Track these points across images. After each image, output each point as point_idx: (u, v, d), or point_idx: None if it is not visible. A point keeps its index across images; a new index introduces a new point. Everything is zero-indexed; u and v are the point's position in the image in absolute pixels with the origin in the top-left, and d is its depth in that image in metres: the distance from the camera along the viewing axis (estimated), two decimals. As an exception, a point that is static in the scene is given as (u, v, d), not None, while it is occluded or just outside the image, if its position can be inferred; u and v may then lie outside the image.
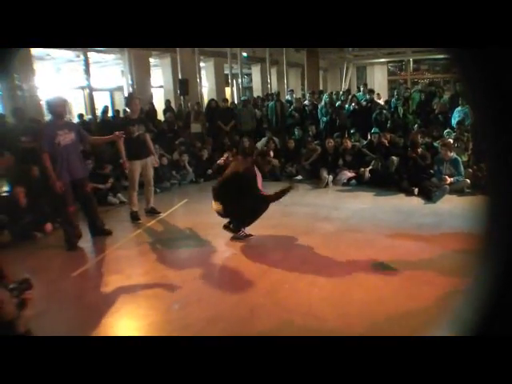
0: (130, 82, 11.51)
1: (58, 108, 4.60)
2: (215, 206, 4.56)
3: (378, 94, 10.44)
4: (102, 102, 12.64)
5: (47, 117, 4.82)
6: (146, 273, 4.02)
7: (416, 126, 8.33)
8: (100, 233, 5.01)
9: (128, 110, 5.93)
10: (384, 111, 9.01)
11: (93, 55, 11.75)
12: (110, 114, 10.16)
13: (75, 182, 4.66)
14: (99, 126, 9.36)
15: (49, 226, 5.20)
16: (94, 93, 10.87)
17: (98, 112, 10.49)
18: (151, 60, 12.93)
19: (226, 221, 4.67)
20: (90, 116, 11.25)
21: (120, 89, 14.94)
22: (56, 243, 4.79)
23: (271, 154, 4.72)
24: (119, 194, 6.74)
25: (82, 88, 13.88)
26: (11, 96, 8.99)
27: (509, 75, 0.74)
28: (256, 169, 4.54)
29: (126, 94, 7.61)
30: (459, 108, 8.27)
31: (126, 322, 3.19)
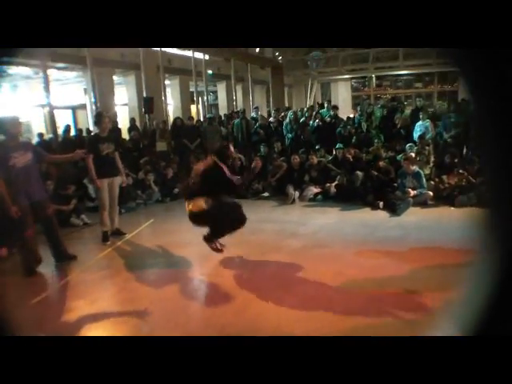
0: (93, 99, 11.31)
1: (12, 128, 4.36)
2: (189, 205, 4.39)
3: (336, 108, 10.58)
4: (63, 120, 12.34)
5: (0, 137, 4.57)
6: (112, 296, 3.90)
7: (376, 140, 8.55)
8: (63, 258, 4.81)
9: (96, 128, 5.81)
10: (348, 126, 9.22)
11: (53, 72, 11.49)
12: (72, 132, 9.92)
13: (34, 204, 4.44)
14: (61, 146, 9.11)
15: (3, 251, 4.96)
16: (54, 111, 10.59)
17: (60, 131, 10.22)
18: (115, 77, 12.79)
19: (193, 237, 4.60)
20: (50, 135, 10.93)
21: (83, 107, 14.65)
22: (13, 269, 4.56)
23: (231, 148, 4.65)
24: (82, 216, 6.55)
25: (42, 106, 13.50)
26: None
27: (509, 76, 0.75)
28: (220, 163, 4.44)
29: (94, 113, 7.46)
30: (420, 122, 8.58)
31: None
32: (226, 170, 4.44)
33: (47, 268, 4.63)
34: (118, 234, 5.70)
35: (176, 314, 3.42)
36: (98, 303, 3.72)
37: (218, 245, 4.52)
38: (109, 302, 3.76)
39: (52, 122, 10.54)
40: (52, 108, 10.40)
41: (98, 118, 5.69)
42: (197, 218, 4.39)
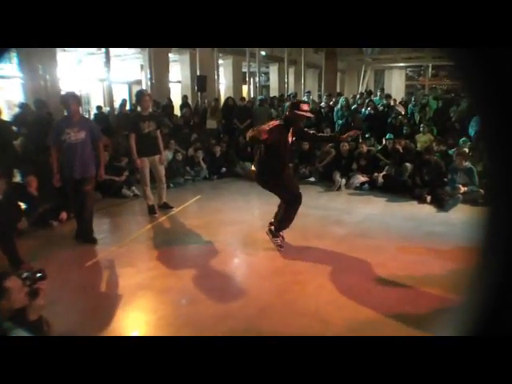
0: (148, 76, 11.63)
1: (71, 106, 4.54)
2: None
3: (395, 100, 10.32)
4: (120, 95, 12.79)
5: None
6: (156, 267, 4.07)
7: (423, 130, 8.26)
8: (85, 238, 4.70)
9: (138, 106, 5.83)
10: (399, 117, 8.96)
11: (114, 49, 11.88)
12: (127, 107, 10.27)
13: (76, 180, 4.58)
14: (117, 119, 9.48)
15: (64, 215, 5.29)
16: (112, 86, 10.99)
17: (116, 105, 10.62)
18: (170, 55, 13.03)
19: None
20: (108, 108, 11.38)
21: (138, 82, 15.09)
22: (72, 233, 4.87)
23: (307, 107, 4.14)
24: (133, 187, 6.84)
25: (102, 81, 14.04)
26: (34, 86, 9.17)
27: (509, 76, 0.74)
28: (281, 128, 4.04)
29: (139, 89, 7.64)
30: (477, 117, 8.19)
31: (136, 315, 3.26)
32: (268, 126, 3.92)
33: (101, 234, 4.90)
34: (166, 207, 5.93)
35: (217, 291, 3.54)
36: (144, 272, 3.92)
37: (281, 238, 4.44)
38: (153, 273, 3.93)
39: (110, 96, 10.97)
40: (110, 83, 10.80)
41: (139, 97, 5.66)
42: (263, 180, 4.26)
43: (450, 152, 7.24)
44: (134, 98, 6.16)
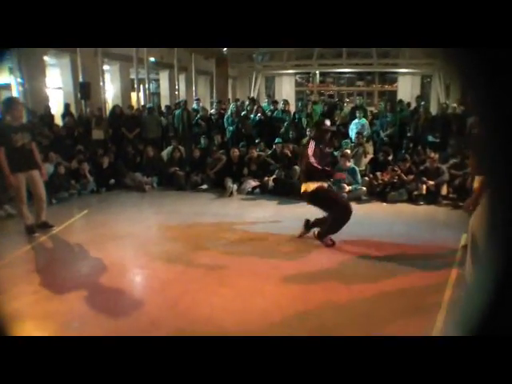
0: (19, 80, 10.51)
1: None
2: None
3: (287, 101, 10.66)
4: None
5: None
6: (36, 292, 3.68)
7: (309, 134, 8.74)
8: None
9: (7, 116, 5.12)
10: (286, 122, 9.32)
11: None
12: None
13: None
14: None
15: None
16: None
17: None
18: (47, 58, 12.00)
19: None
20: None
21: (7, 87, 13.63)
22: None
23: (326, 122, 4.84)
24: (6, 206, 6.13)
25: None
26: None
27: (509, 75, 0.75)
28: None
29: (8, 96, 6.86)
30: (356, 120, 8.88)
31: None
32: (311, 151, 4.50)
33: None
34: (45, 226, 5.38)
35: (106, 308, 3.33)
36: (20, 298, 3.51)
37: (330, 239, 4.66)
38: (32, 297, 3.54)
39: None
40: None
41: (9, 105, 5.08)
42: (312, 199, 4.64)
43: (335, 154, 7.74)
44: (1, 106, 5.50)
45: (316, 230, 4.77)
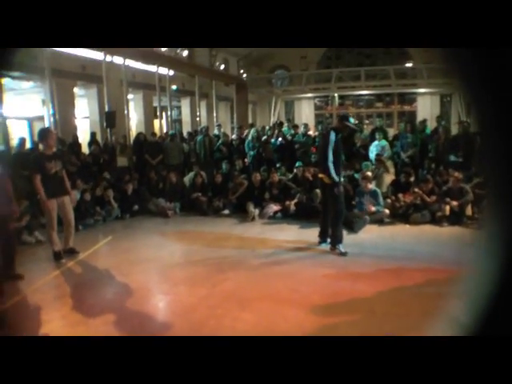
0: (51, 111, 10.98)
1: None
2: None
3: (307, 125, 10.74)
4: (19, 131, 11.93)
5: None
6: (63, 317, 3.76)
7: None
8: (10, 277, 4.51)
9: (42, 145, 5.50)
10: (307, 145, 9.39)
11: (7, 82, 11.13)
12: (27, 145, 9.57)
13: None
14: (14, 159, 8.79)
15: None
16: (8, 122, 10.19)
17: (14, 142, 9.86)
18: (76, 90, 12.53)
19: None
20: (2, 147, 10.49)
21: (40, 119, 14.19)
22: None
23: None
24: (36, 233, 6.32)
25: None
26: None
27: (509, 75, 0.75)
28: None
29: (44, 127, 7.18)
30: (376, 142, 8.85)
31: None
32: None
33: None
34: (72, 252, 5.53)
35: (131, 333, 3.33)
36: (51, 323, 3.59)
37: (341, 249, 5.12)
38: (60, 322, 3.62)
39: (4, 133, 10.12)
40: (5, 119, 10.01)
41: (45, 135, 5.36)
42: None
43: (356, 176, 7.71)
44: (36, 136, 5.78)
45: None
